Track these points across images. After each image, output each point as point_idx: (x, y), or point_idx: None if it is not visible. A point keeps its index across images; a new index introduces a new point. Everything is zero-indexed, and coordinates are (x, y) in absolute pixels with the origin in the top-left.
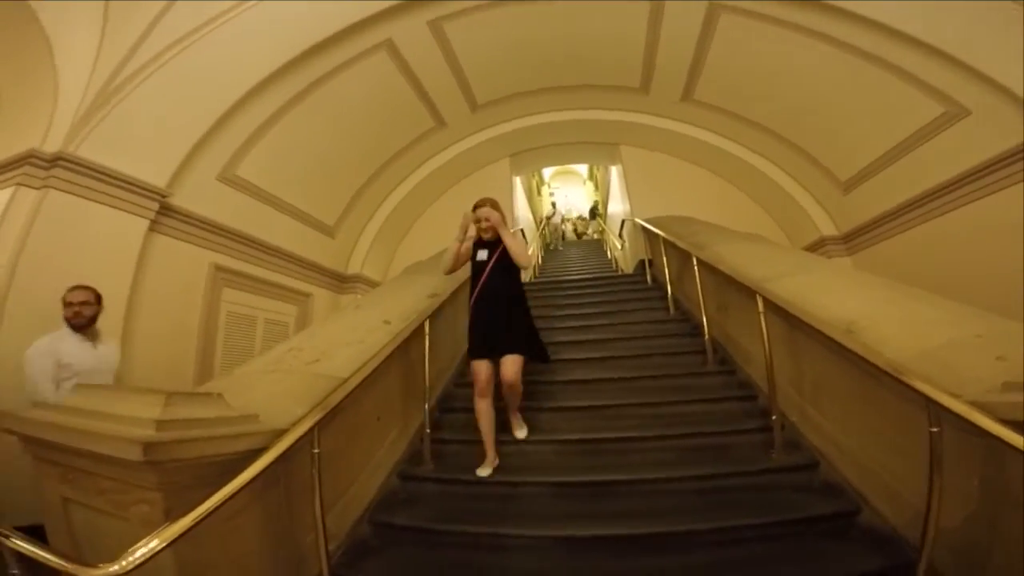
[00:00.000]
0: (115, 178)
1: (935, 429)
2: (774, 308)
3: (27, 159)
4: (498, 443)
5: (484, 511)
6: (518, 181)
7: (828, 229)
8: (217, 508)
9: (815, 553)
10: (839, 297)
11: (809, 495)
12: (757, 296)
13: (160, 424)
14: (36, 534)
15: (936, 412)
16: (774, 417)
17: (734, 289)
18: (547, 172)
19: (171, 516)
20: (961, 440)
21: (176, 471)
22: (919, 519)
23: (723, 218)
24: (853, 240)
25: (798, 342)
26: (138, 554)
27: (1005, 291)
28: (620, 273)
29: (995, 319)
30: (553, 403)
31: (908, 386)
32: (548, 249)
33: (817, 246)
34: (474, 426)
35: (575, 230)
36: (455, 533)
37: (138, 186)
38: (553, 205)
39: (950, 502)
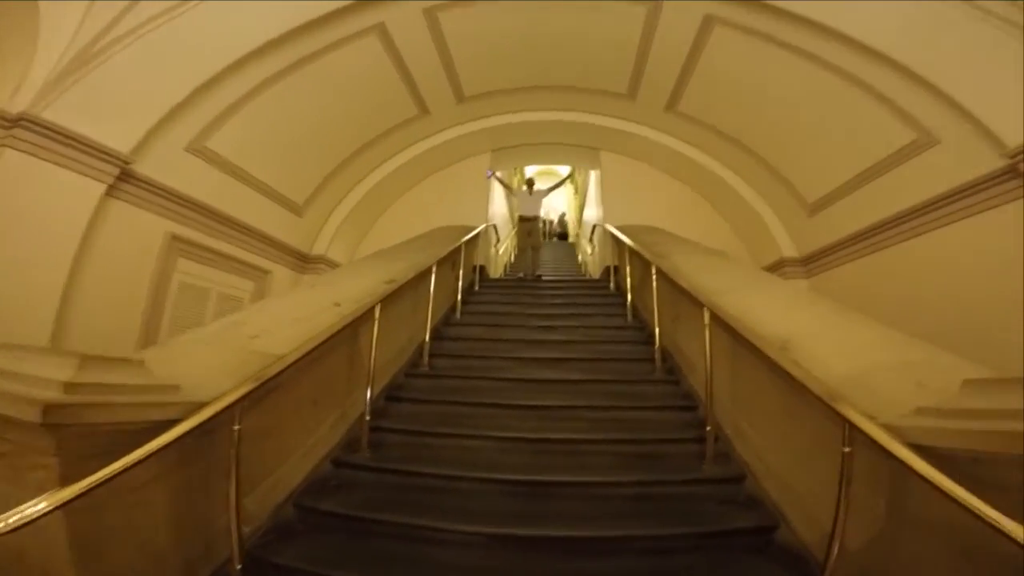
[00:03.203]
0: (77, 141)
1: (847, 449)
2: (720, 322)
3: None
4: (439, 436)
5: (419, 503)
6: None
7: (789, 251)
8: (115, 477)
9: (732, 567)
10: (780, 314)
11: (734, 508)
12: (704, 308)
13: (68, 387)
14: None
15: (850, 432)
16: (708, 428)
17: (687, 301)
18: (529, 171)
19: (68, 484)
20: (873, 462)
21: (78, 437)
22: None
23: (692, 232)
24: (812, 263)
25: (739, 356)
26: (26, 513)
27: (951, 319)
28: (587, 277)
29: (924, 346)
30: (503, 400)
31: (826, 405)
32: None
33: (776, 267)
34: (419, 418)
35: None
36: (385, 523)
37: (99, 150)
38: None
39: (857, 523)
